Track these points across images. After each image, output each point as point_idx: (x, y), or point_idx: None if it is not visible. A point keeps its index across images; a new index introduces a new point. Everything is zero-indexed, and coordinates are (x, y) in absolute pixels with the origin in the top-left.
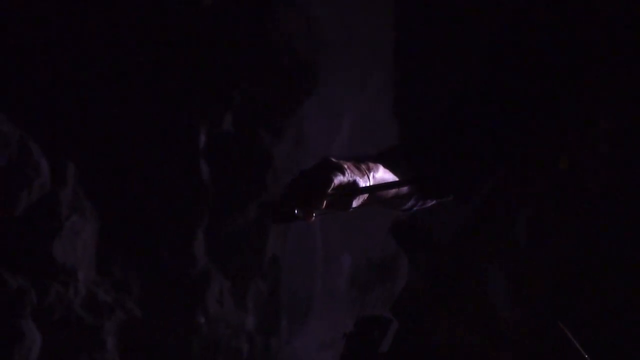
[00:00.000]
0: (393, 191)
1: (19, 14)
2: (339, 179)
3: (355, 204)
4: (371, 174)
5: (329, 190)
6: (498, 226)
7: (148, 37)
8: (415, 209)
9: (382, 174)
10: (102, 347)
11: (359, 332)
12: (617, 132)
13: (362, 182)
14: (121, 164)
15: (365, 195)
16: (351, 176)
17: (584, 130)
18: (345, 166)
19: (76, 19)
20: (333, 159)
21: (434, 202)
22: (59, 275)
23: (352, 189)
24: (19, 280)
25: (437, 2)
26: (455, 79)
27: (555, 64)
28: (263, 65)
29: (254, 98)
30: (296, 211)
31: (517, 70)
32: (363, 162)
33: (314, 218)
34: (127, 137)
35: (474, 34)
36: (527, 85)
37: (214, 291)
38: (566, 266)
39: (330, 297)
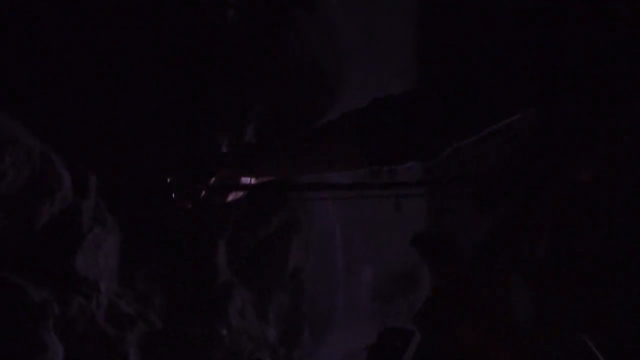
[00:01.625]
0: (322, 164)
1: (45, 28)
2: (221, 173)
3: (231, 197)
4: (257, 168)
5: (208, 184)
6: (520, 237)
7: (172, 50)
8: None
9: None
10: (124, 359)
11: (381, 343)
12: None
13: (244, 178)
14: (142, 176)
15: (241, 192)
16: (233, 172)
17: (607, 144)
18: (230, 160)
19: (103, 33)
20: (222, 152)
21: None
22: (81, 288)
23: (230, 185)
24: (41, 293)
25: (459, 10)
26: None
27: (580, 75)
28: (285, 76)
29: (276, 108)
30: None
31: (539, 83)
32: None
33: (189, 206)
34: (149, 149)
35: (498, 44)
36: (549, 98)
37: (236, 303)
38: (589, 277)
39: (352, 309)
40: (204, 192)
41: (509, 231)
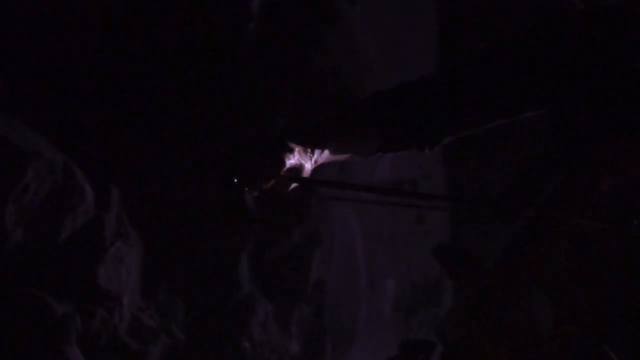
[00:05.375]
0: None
1: (70, 41)
2: (290, 162)
3: (293, 186)
4: (314, 158)
5: (280, 172)
6: (542, 249)
7: (192, 63)
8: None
9: (327, 157)
10: None
11: (404, 356)
12: None
13: (308, 165)
14: (165, 189)
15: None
16: (299, 160)
17: (629, 153)
18: (296, 149)
19: (129, 47)
20: (287, 142)
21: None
22: (103, 301)
23: (297, 176)
24: (64, 306)
25: (481, 22)
26: None
27: (600, 83)
28: (308, 90)
29: (297, 120)
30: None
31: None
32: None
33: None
34: (171, 163)
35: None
36: (572, 109)
37: (259, 316)
38: (610, 288)
39: (374, 322)
40: (272, 182)
41: (530, 242)
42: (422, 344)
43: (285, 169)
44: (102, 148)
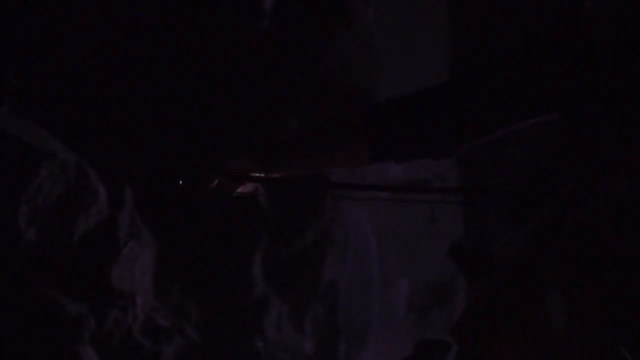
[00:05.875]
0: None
1: (83, 43)
2: (235, 167)
3: (243, 189)
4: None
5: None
6: (557, 249)
7: (206, 63)
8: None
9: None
10: None
11: (418, 356)
12: None
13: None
14: (178, 189)
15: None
16: (245, 164)
17: None
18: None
19: (141, 48)
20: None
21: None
22: (117, 301)
23: (241, 176)
24: (77, 306)
25: (495, 22)
26: None
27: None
28: (320, 88)
29: (309, 119)
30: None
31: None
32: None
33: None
34: (184, 161)
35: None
36: (587, 111)
37: (272, 316)
38: (624, 288)
39: (388, 321)
40: (216, 182)
41: (546, 242)
42: (436, 343)
43: (228, 170)
44: (115, 148)
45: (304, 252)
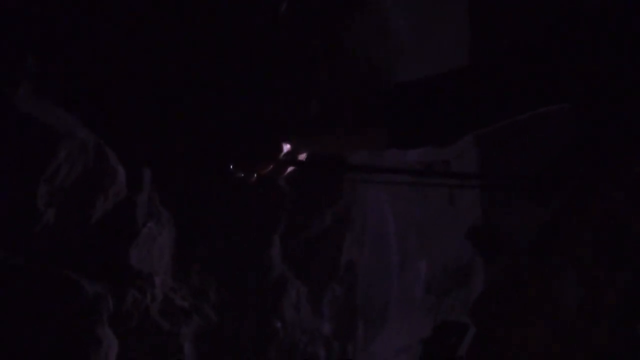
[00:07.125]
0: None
1: (101, 25)
2: (286, 147)
3: (286, 172)
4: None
5: (278, 157)
6: (574, 231)
7: (223, 48)
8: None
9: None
10: (179, 353)
11: (436, 337)
12: None
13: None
14: (197, 170)
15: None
16: (295, 145)
17: None
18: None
19: (159, 30)
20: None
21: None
22: (135, 282)
23: (294, 160)
24: (95, 287)
25: (512, 12)
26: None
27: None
28: (339, 73)
29: (328, 105)
30: (240, 173)
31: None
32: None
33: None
34: (203, 142)
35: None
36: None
37: (291, 297)
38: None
39: (406, 303)
40: (270, 167)
41: (563, 225)
42: (455, 325)
43: (282, 154)
44: (134, 129)
45: (323, 234)
